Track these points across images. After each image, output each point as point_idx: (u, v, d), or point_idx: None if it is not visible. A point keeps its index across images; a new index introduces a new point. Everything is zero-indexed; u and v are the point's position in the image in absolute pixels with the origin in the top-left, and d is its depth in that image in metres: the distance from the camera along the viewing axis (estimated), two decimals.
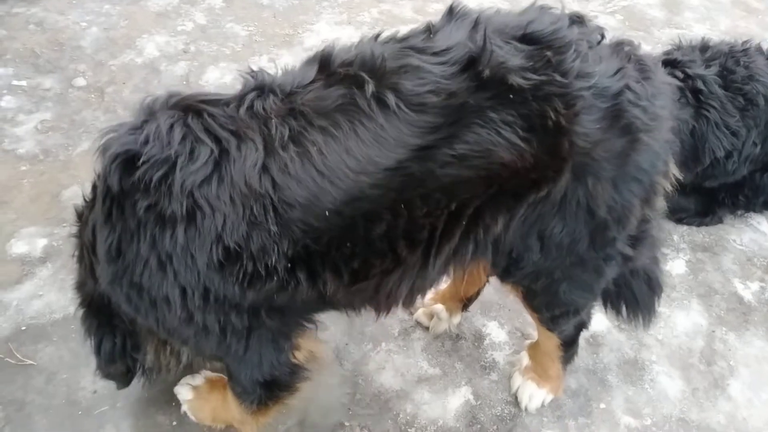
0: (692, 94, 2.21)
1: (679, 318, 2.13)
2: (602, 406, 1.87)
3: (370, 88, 1.13)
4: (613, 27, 3.81)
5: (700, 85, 2.20)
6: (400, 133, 1.12)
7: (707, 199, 2.44)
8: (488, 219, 1.23)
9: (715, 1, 4.28)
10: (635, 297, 1.65)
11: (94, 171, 1.27)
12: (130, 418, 1.73)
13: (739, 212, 2.53)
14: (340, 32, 3.49)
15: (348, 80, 1.16)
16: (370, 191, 1.13)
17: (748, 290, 2.26)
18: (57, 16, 3.28)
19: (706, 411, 1.88)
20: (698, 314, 2.15)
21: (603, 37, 1.34)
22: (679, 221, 2.49)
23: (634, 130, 1.23)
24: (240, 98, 1.20)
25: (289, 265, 1.16)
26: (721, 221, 2.51)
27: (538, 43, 1.22)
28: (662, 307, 2.15)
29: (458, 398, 1.84)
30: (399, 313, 2.02)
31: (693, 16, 4.06)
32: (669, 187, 1.42)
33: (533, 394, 1.80)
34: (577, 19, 1.33)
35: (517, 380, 1.84)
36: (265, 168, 1.11)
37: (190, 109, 1.18)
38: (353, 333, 1.99)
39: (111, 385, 1.69)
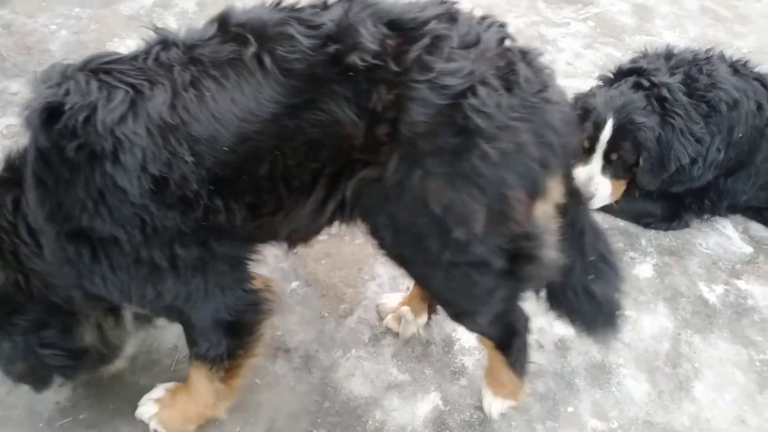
0: (658, 102, 2.25)
1: (645, 321, 2.16)
2: (570, 409, 1.89)
3: (251, 49, 1.28)
4: (585, 34, 3.87)
5: (665, 93, 2.24)
6: (273, 91, 1.27)
7: (674, 204, 2.48)
8: (341, 184, 1.33)
9: (685, 8, 4.36)
10: (580, 315, 1.67)
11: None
12: (94, 430, 1.70)
13: (705, 216, 2.57)
14: None
15: (239, 39, 1.31)
16: (253, 135, 1.28)
17: (713, 293, 2.30)
18: (25, 19, 3.23)
19: (671, 413, 1.91)
20: (664, 317, 2.18)
21: (503, 38, 1.40)
22: (647, 226, 2.52)
23: (470, 133, 1.24)
24: (146, 51, 1.33)
25: (209, 192, 1.30)
26: (687, 225, 2.55)
27: (399, 30, 1.30)
28: (630, 311, 2.18)
29: (427, 404, 1.85)
30: (370, 319, 2.03)
31: (663, 24, 4.13)
32: (538, 211, 1.38)
33: (490, 401, 1.81)
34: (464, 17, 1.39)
35: (483, 387, 1.85)
36: (173, 106, 1.25)
37: (100, 69, 1.31)
38: (323, 340, 1.99)
39: (75, 396, 1.66)
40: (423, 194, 1.27)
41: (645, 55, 2.52)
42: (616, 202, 2.47)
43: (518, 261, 1.41)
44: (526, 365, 1.77)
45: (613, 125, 2.28)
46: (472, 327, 1.65)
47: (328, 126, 1.28)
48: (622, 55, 3.67)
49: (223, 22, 1.35)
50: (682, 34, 4.04)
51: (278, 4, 1.40)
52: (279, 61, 1.27)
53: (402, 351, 1.97)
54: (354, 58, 1.25)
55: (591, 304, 1.62)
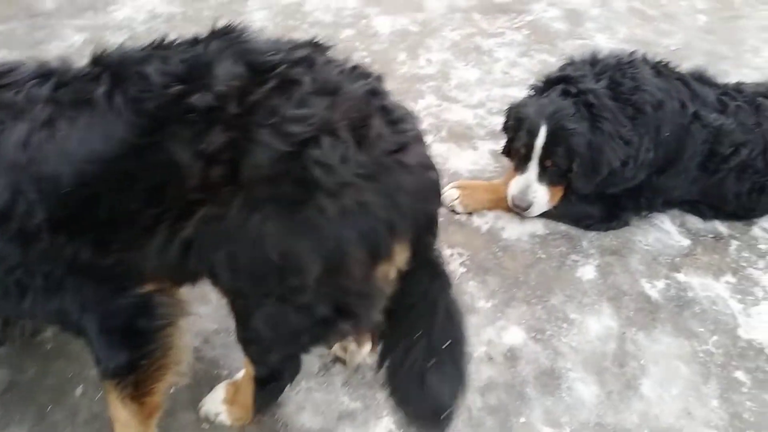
0: (586, 108, 2.31)
1: (591, 323, 2.20)
2: (522, 420, 1.91)
3: (105, 88, 1.30)
4: (520, 42, 3.97)
5: (591, 99, 2.30)
6: (120, 132, 1.28)
7: (611, 204, 2.54)
8: (183, 223, 1.31)
9: (614, 10, 4.51)
10: (403, 399, 1.52)
11: None
12: None
13: (643, 213, 2.64)
14: None
15: (99, 77, 1.33)
16: (94, 176, 1.29)
17: (654, 289, 2.36)
18: None
19: (621, 413, 1.95)
20: (609, 317, 2.23)
21: (372, 91, 1.37)
22: (587, 227, 2.58)
23: (309, 185, 1.22)
24: (23, 83, 1.33)
25: (51, 228, 1.31)
26: (627, 224, 2.62)
27: (255, 70, 1.30)
28: (575, 314, 2.23)
29: (381, 430, 1.84)
30: (318, 349, 2.01)
31: (594, 26, 4.26)
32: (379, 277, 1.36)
33: (214, 400, 1.79)
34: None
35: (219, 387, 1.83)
36: (26, 143, 1.27)
37: None
38: None
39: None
40: (262, 239, 1.25)
41: (572, 62, 2.59)
42: (555, 207, 2.52)
43: (340, 314, 1.39)
44: (266, 408, 1.77)
45: (546, 133, 2.33)
46: (257, 358, 1.60)
47: (169, 168, 1.27)
48: (556, 61, 3.75)
49: (95, 60, 1.38)
50: (612, 36, 4.17)
51: (158, 41, 1.41)
52: (129, 101, 1.29)
53: (352, 378, 1.96)
54: (196, 99, 1.26)
55: (419, 394, 1.47)
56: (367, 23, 4.03)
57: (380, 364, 1.53)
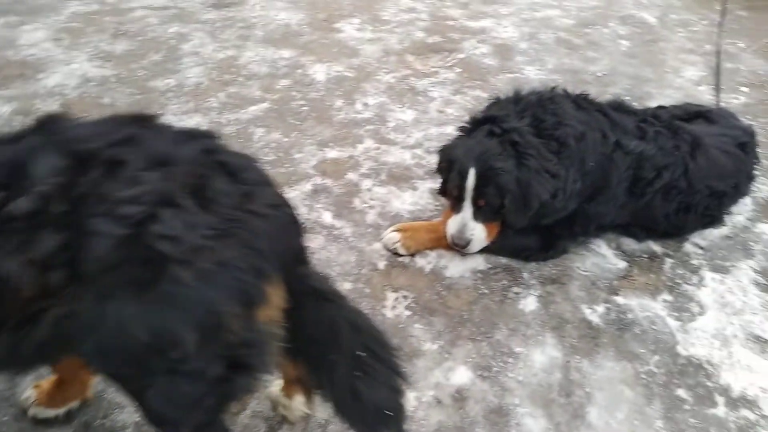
0: (511, 146, 2.39)
1: (535, 355, 2.24)
2: None
3: None
4: (453, 80, 4.09)
5: (516, 137, 2.39)
6: None
7: (547, 234, 2.61)
8: (29, 329, 1.25)
9: (542, 42, 4.70)
10: (347, 414, 1.55)
11: None
12: None
13: (579, 240, 2.72)
14: (188, 121, 3.48)
15: None
16: None
17: (595, 314, 2.42)
18: None
19: None
20: (552, 347, 2.27)
21: (206, 149, 1.38)
22: (527, 259, 2.64)
23: (157, 261, 1.19)
24: None
25: None
26: (565, 251, 2.69)
27: (79, 160, 1.24)
28: (519, 347, 2.26)
29: None
30: (264, 411, 1.99)
31: (523, 60, 4.43)
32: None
33: None
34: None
35: None
36: None
37: None
38: None
39: None
40: (125, 324, 1.21)
41: (497, 101, 2.68)
42: (494, 242, 2.58)
43: (234, 369, 1.37)
44: None
45: (475, 174, 2.39)
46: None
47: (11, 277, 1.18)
48: (488, 96, 3.86)
49: None
50: (542, 67, 4.34)
51: None
52: None
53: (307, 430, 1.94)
54: (14, 207, 1.18)
55: (356, 404, 1.50)
56: (303, 72, 4.09)
57: (321, 397, 1.55)
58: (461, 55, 4.43)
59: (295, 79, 4.01)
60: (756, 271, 2.65)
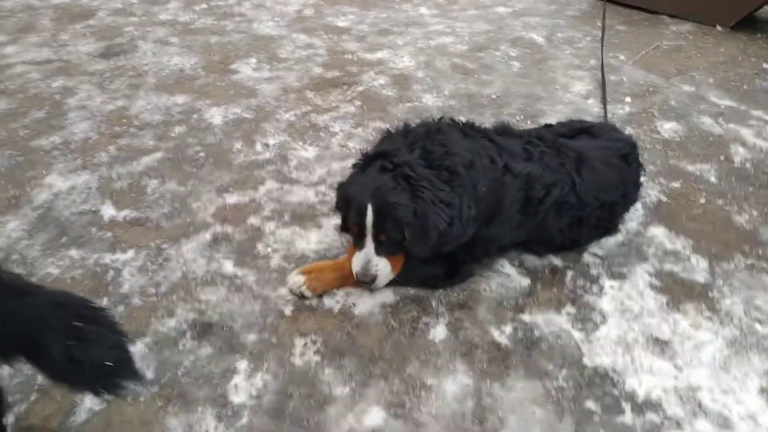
0: (404, 180, 2.40)
1: (447, 385, 2.22)
2: None
3: None
4: (353, 113, 4.11)
5: (407, 171, 2.40)
6: None
7: (450, 261, 2.63)
8: None
9: (437, 70, 4.82)
10: (82, 383, 1.67)
11: None
12: None
13: (483, 262, 2.76)
14: (75, 180, 3.31)
15: None
16: None
17: (503, 335, 2.45)
18: None
19: None
20: (463, 375, 2.27)
21: None
22: (434, 287, 2.65)
23: None
24: None
25: None
26: (471, 275, 2.72)
27: None
28: (431, 379, 2.24)
29: None
30: None
31: (420, 88, 4.52)
32: None
33: None
34: None
35: None
36: None
37: None
38: None
39: None
40: None
41: (388, 135, 2.70)
42: (399, 274, 2.57)
43: None
44: None
45: (373, 210, 2.38)
46: None
47: None
48: (389, 126, 3.91)
49: None
50: (438, 94, 4.44)
51: None
52: None
53: None
54: None
55: (76, 368, 1.57)
56: (199, 117, 4.00)
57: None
58: (360, 88, 4.47)
59: (190, 125, 3.90)
60: (650, 274, 2.77)
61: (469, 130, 2.68)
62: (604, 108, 4.23)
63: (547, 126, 3.21)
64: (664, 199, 3.30)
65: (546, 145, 2.74)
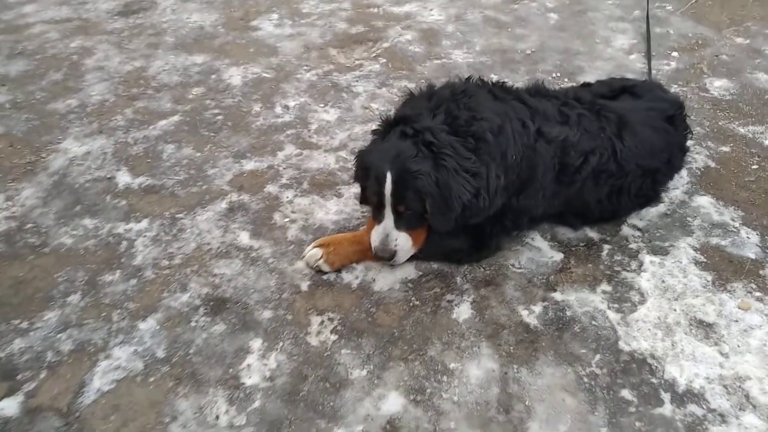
0: (426, 147, 2.21)
1: (471, 370, 2.09)
2: None
3: None
4: (378, 72, 3.89)
5: (429, 137, 2.21)
6: None
7: (477, 234, 2.46)
8: None
9: (469, 24, 4.53)
10: None
11: None
12: None
13: (512, 234, 2.58)
14: (91, 144, 3.21)
15: None
16: None
17: (532, 315, 2.29)
18: None
19: None
20: (489, 358, 2.13)
21: None
22: (459, 262, 2.49)
23: None
24: None
25: None
26: (499, 249, 2.55)
27: None
28: (454, 363, 2.11)
29: None
30: None
31: (450, 44, 4.25)
32: None
33: None
34: None
35: None
36: None
37: None
38: None
39: None
40: None
41: (410, 98, 2.51)
42: (421, 249, 2.41)
43: None
44: None
45: (392, 179, 2.21)
46: None
47: None
48: (415, 86, 3.69)
49: None
50: (469, 49, 4.18)
51: None
52: None
53: None
54: None
55: None
56: (218, 77, 3.84)
57: None
58: (386, 44, 4.23)
59: (208, 86, 3.75)
60: (695, 249, 2.55)
61: (498, 91, 2.46)
62: (648, 64, 3.91)
63: (586, 85, 2.96)
64: (712, 164, 3.04)
65: (584, 107, 2.51)
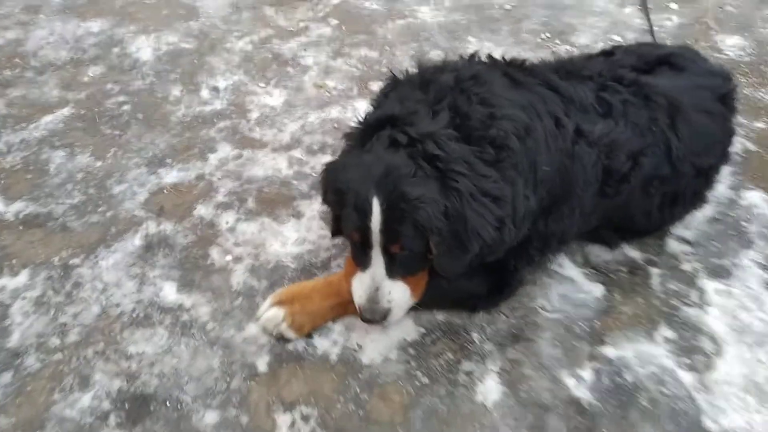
0: (428, 162, 1.52)
1: None
2: None
3: None
4: (330, 37, 3.12)
5: (432, 147, 1.51)
6: None
7: (496, 271, 1.81)
8: None
9: None
10: None
11: None
12: None
13: (542, 263, 1.95)
14: None
15: None
16: None
17: (582, 385, 1.69)
18: None
19: None
20: None
21: None
22: (473, 310, 1.85)
23: None
24: None
25: None
26: (521, 284, 1.91)
27: None
28: None
29: None
30: None
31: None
32: None
33: None
34: None
35: None
36: None
37: None
38: None
39: None
40: None
41: (394, 85, 1.78)
42: (422, 300, 1.74)
43: None
44: None
45: (382, 208, 1.51)
46: None
47: None
48: (379, 55, 2.96)
49: None
50: (438, 6, 3.46)
51: None
52: None
53: None
54: None
55: None
56: (121, 51, 2.96)
57: None
58: (335, 0, 3.42)
59: (109, 64, 2.87)
60: (762, 267, 2.00)
61: (517, 73, 1.77)
62: (648, 19, 3.30)
63: (606, 54, 2.28)
64: (751, 146, 2.49)
65: (628, 90, 1.85)
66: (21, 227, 2.08)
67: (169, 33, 3.10)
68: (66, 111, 2.58)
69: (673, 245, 2.08)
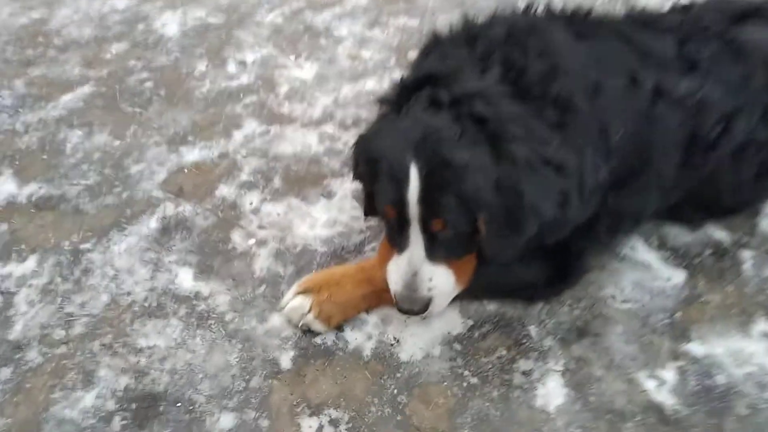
0: (475, 124, 1.27)
1: None
2: None
3: None
4: (365, 7, 2.93)
5: (481, 108, 1.26)
6: None
7: (558, 255, 1.55)
8: None
9: None
10: None
11: None
12: None
13: (611, 246, 1.68)
14: None
15: None
16: None
17: (664, 389, 1.42)
18: None
19: None
20: None
21: None
22: (530, 300, 1.60)
23: None
24: None
25: None
26: (587, 270, 1.64)
27: None
28: None
29: None
30: None
31: None
32: None
33: None
34: None
35: None
36: None
37: None
38: None
39: None
40: None
41: (437, 43, 1.53)
42: (469, 286, 1.49)
43: None
44: None
45: (419, 177, 1.27)
46: None
47: None
48: (419, 23, 2.72)
49: None
50: None
51: None
52: None
53: None
54: None
55: None
56: (147, 27, 2.80)
57: None
58: None
59: (133, 41, 2.71)
60: None
61: (583, 24, 1.50)
62: None
63: (683, 10, 1.95)
64: None
65: (718, 42, 1.55)
66: (33, 210, 1.93)
67: (196, 8, 2.93)
68: (86, 89, 2.43)
69: (764, 224, 1.77)
